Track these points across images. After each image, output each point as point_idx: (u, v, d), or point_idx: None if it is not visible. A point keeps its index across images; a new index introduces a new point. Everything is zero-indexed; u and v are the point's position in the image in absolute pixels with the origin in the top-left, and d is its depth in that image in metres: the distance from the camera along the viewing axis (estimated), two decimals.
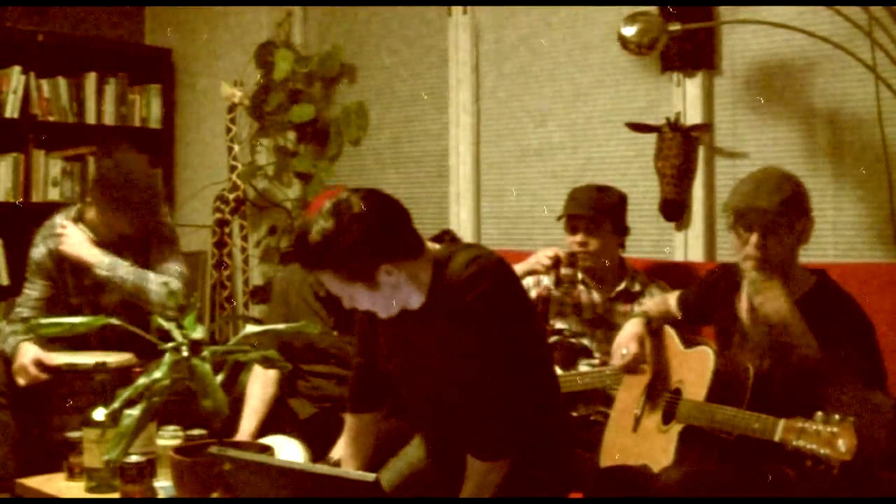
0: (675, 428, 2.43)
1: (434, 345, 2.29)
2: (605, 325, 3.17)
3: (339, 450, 2.71)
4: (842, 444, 2.02)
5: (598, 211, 3.14)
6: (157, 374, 2.18)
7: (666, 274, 3.29)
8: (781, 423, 2.14)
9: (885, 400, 2.22)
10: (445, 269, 2.24)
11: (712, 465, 2.33)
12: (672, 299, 2.80)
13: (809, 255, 3.16)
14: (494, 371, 2.22)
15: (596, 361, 3.09)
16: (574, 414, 3.03)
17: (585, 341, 3.15)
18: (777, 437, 2.13)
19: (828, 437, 2.04)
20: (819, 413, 2.10)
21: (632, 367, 2.66)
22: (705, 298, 2.70)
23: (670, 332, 2.68)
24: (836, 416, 2.06)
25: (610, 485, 2.47)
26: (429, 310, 2.27)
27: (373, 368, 2.51)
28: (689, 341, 2.61)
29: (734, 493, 2.26)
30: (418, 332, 2.32)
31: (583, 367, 3.08)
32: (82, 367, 3.14)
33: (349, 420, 2.56)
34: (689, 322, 2.77)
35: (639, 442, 2.59)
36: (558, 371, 3.07)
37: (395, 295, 2.23)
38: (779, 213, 2.36)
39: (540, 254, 3.24)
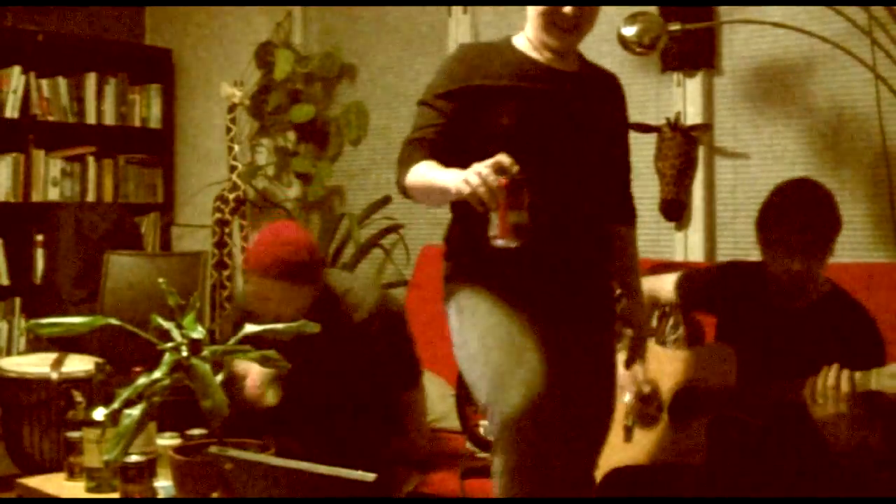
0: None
1: (591, 117, 2.38)
2: None
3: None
4: None
5: None
6: (157, 374, 2.18)
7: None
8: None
9: None
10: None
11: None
12: (669, 283, 2.69)
13: None
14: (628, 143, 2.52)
15: None
16: None
17: None
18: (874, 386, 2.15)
19: None
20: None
21: None
22: (711, 291, 2.62)
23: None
24: None
25: (610, 485, 2.47)
26: (586, 85, 2.40)
27: (443, 146, 2.29)
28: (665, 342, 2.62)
29: (728, 490, 2.27)
30: (577, 106, 2.35)
31: None
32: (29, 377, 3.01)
33: (423, 164, 2.25)
34: (687, 307, 2.71)
35: (631, 451, 2.57)
36: None
37: None
38: (829, 241, 2.37)
39: None
